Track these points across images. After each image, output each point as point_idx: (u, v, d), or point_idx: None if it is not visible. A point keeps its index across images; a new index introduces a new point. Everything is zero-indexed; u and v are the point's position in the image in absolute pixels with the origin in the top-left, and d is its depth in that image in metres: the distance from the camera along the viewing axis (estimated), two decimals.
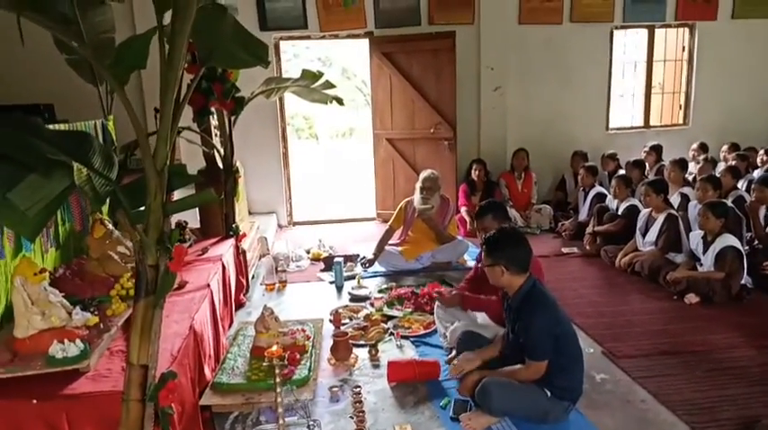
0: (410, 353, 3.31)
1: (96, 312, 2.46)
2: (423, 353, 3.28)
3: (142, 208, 1.90)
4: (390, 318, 3.75)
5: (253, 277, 4.74)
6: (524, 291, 2.53)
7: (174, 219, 4.16)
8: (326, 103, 4.59)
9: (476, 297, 3.21)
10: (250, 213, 6.34)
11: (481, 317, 3.24)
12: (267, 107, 6.07)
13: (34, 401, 1.93)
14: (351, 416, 2.66)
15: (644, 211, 4.71)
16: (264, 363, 2.73)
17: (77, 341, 2.15)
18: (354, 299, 4.18)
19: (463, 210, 6.01)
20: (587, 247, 5.21)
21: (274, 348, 2.39)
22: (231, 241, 4.06)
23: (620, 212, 5.09)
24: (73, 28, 2.18)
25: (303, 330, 3.37)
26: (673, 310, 3.83)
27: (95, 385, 2.01)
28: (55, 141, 1.80)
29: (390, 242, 4.88)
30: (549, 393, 2.49)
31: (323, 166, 12.53)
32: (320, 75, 4.39)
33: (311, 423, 2.59)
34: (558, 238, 5.80)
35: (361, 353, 3.28)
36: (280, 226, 6.54)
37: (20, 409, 1.93)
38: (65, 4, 2.20)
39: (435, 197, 4.65)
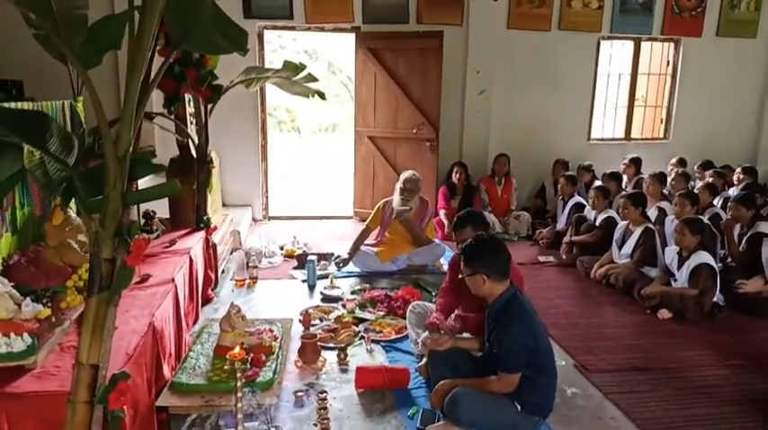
0: (380, 358, 3.23)
1: (49, 304, 2.32)
2: (393, 358, 3.20)
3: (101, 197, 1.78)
4: (362, 320, 3.66)
5: (223, 271, 4.60)
6: (504, 299, 2.47)
7: (143, 208, 4.01)
8: (308, 97, 4.48)
9: (477, 317, 3.06)
10: (224, 205, 6.18)
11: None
12: (247, 97, 5.93)
13: None
14: (315, 423, 2.56)
15: (621, 224, 4.70)
16: (227, 366, 2.61)
17: (25, 335, 2.01)
18: (326, 299, 4.08)
19: (442, 213, 5.94)
20: (563, 257, 5.19)
21: (237, 350, 2.28)
22: (201, 234, 3.92)
23: (597, 223, 5.08)
24: (41, 1, 2.06)
25: (271, 330, 3.26)
26: (645, 325, 3.81)
27: (41, 384, 1.88)
28: (7, 121, 1.67)
29: (366, 242, 4.79)
30: (519, 407, 2.43)
31: (303, 161, 12.37)
32: (302, 67, 4.27)
33: (273, 429, 2.48)
34: (535, 246, 5.77)
35: (330, 357, 3.19)
36: (255, 220, 6.40)
37: None
38: None
39: (415, 199, 4.58)
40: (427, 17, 6.22)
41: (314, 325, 3.59)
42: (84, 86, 3.87)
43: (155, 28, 1.72)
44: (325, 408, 2.65)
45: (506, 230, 6.09)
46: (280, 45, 16.37)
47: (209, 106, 3.88)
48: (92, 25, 2.08)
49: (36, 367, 1.98)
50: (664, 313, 3.90)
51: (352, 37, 6.21)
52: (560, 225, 5.76)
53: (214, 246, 4.09)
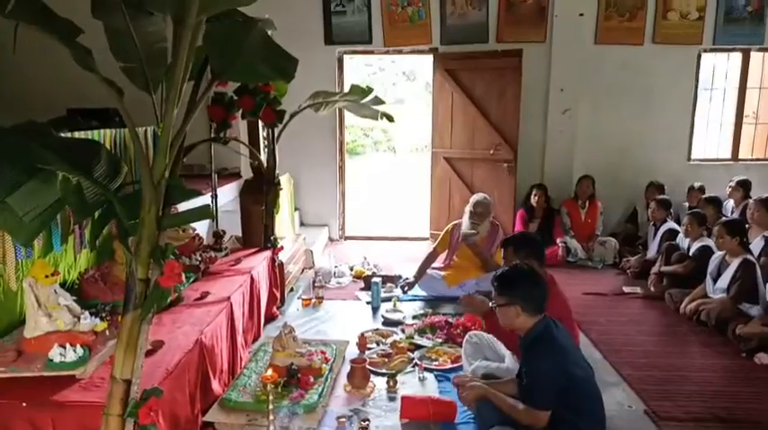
0: (431, 387, 3.12)
1: (108, 318, 2.49)
2: (444, 389, 3.08)
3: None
4: (419, 346, 3.57)
5: (291, 290, 4.72)
6: (536, 331, 2.33)
7: (214, 227, 4.22)
8: (377, 119, 4.52)
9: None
10: (302, 224, 6.40)
11: (510, 360, 2.98)
12: (326, 120, 6.11)
13: (24, 404, 1.94)
14: None
15: (717, 254, 4.23)
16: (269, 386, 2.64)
17: (78, 347, 2.16)
18: (387, 322, 4.04)
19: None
20: (652, 288, 4.76)
21: (269, 372, 2.30)
22: (267, 253, 4.05)
23: (690, 253, 4.62)
24: (128, 38, 2.27)
25: (323, 352, 3.29)
26: (738, 370, 3.38)
27: (84, 394, 2.00)
28: (59, 150, 1.81)
29: (434, 266, 4.70)
30: None
31: (392, 180, 12.48)
32: (369, 90, 4.32)
33: None
34: (621, 275, 5.36)
35: (380, 383, 3.13)
36: (331, 239, 6.53)
37: (11, 410, 1.95)
38: (118, 17, 2.28)
39: (485, 223, 4.43)
40: (508, 35, 6.08)
41: (370, 348, 3.56)
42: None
43: (186, 60, 1.80)
44: None
45: (590, 257, 5.72)
46: (379, 68, 16.83)
47: (275, 130, 4.02)
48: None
49: (85, 378, 2.12)
50: (762, 357, 3.44)
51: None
52: (651, 253, 5.31)
53: (281, 265, 4.21)
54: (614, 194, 6.30)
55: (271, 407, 2.20)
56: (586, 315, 4.25)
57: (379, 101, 4.39)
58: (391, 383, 3.09)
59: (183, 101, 2.08)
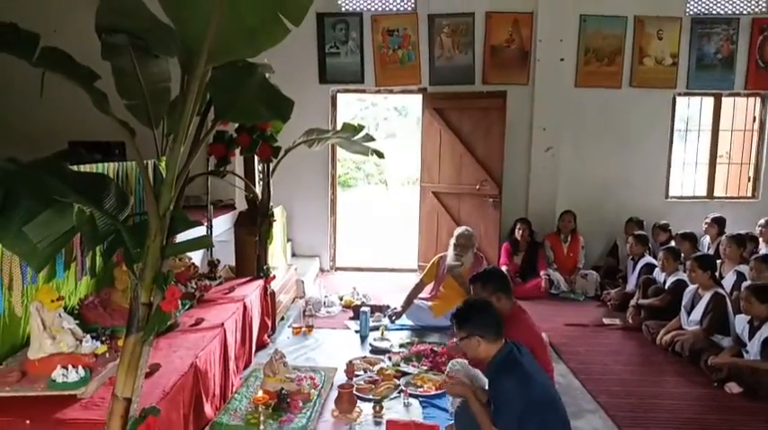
0: (416, 412, 3.24)
1: (108, 341, 2.61)
2: (428, 415, 3.20)
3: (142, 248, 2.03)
4: (404, 374, 3.70)
5: (282, 319, 4.84)
6: (499, 357, 2.45)
7: (208, 257, 4.36)
8: (367, 155, 4.75)
9: None
10: (294, 255, 6.55)
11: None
12: (319, 155, 6.32)
13: (27, 422, 2.06)
14: None
15: (690, 287, 4.43)
16: (259, 408, 2.76)
17: (80, 368, 2.29)
18: (374, 351, 4.16)
19: (503, 269, 5.88)
20: (630, 320, 4.94)
21: (260, 394, 2.43)
22: (260, 282, 4.19)
23: (666, 286, 4.81)
24: (133, 78, 2.47)
25: (312, 378, 3.41)
26: (710, 399, 3.53)
27: (85, 412, 2.12)
28: (73, 183, 1.98)
29: (421, 296, 4.86)
30: None
31: (383, 213, 12.69)
32: (360, 128, 4.55)
33: None
34: (602, 307, 5.53)
35: (367, 408, 3.25)
36: (322, 270, 6.66)
37: (16, 428, 2.06)
38: (126, 59, 2.49)
39: (468, 254, 4.61)
40: (493, 77, 6.39)
41: (357, 375, 3.68)
42: (166, 147, 4.40)
43: (192, 105, 1.99)
44: None
45: (573, 289, 5.90)
46: (372, 102, 17.23)
47: (272, 165, 4.22)
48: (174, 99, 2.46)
49: (86, 397, 2.23)
50: (732, 387, 3.59)
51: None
52: (630, 286, 5.50)
53: (272, 294, 4.34)
54: (596, 229, 6.53)
55: (262, 427, 2.32)
56: (567, 344, 4.41)
57: (369, 138, 4.62)
58: (377, 408, 3.21)
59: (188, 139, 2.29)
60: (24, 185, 1.87)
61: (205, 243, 2.16)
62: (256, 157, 4.35)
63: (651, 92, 6.47)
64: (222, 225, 5.44)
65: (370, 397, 3.35)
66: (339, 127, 6.14)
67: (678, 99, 6.58)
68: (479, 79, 6.40)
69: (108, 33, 2.45)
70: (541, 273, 5.87)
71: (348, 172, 18.30)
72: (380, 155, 4.72)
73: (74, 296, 3.03)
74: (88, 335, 2.50)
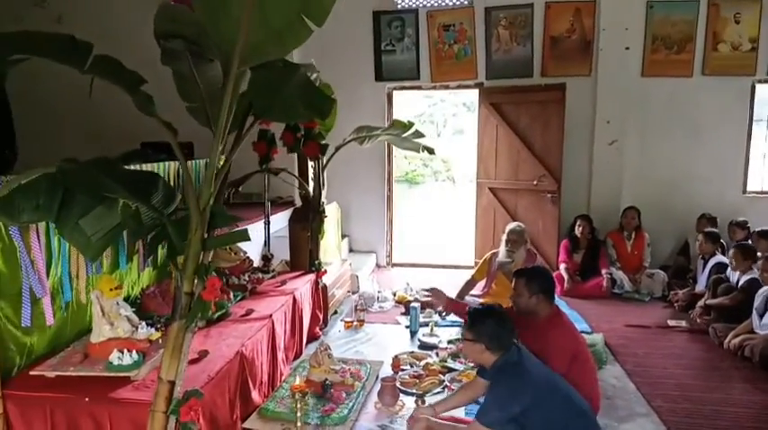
0: (457, 409, 3.23)
1: (163, 328, 2.79)
2: (470, 411, 3.18)
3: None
4: (450, 370, 3.69)
5: (336, 312, 4.96)
6: (500, 362, 2.51)
7: (263, 251, 4.53)
8: (418, 152, 4.77)
9: None
10: (351, 251, 6.67)
11: None
12: (375, 152, 6.42)
13: (86, 399, 2.25)
14: None
15: (764, 288, 4.13)
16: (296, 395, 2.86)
17: (134, 352, 2.47)
18: (423, 346, 4.18)
19: (562, 267, 5.73)
20: (697, 321, 4.67)
21: (297, 381, 2.52)
22: (311, 276, 4.32)
23: (739, 285, 4.51)
24: (193, 82, 2.63)
25: (357, 370, 3.47)
26: None
27: (135, 393, 2.28)
28: (124, 181, 2.14)
29: (473, 293, 4.82)
30: None
31: (447, 209, 12.61)
32: (410, 125, 4.57)
33: None
34: (668, 308, 5.26)
35: (409, 402, 3.28)
36: (378, 265, 6.75)
37: (76, 404, 2.25)
38: (184, 64, 2.65)
39: (520, 251, 4.53)
40: (552, 70, 6.21)
41: (403, 369, 3.71)
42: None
43: (229, 105, 2.10)
44: None
45: (637, 289, 5.64)
46: (440, 98, 17.18)
47: (323, 162, 4.33)
48: None
49: (138, 379, 2.41)
50: None
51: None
52: (699, 286, 5.20)
53: (324, 287, 4.46)
54: (665, 226, 6.21)
55: (299, 414, 2.41)
56: (626, 346, 4.24)
57: (419, 134, 4.63)
58: (420, 403, 3.23)
59: (230, 138, 2.41)
60: (81, 183, 2.04)
61: (244, 237, 2.27)
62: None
63: (726, 80, 6.06)
64: (281, 221, 5.64)
65: (414, 391, 3.38)
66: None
67: (758, 86, 6.11)
68: (538, 72, 6.24)
69: (166, 39, 2.61)
70: (603, 271, 5.65)
71: (416, 169, 18.32)
72: (431, 151, 4.72)
73: (136, 286, 3.26)
74: (143, 322, 2.68)
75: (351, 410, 3.05)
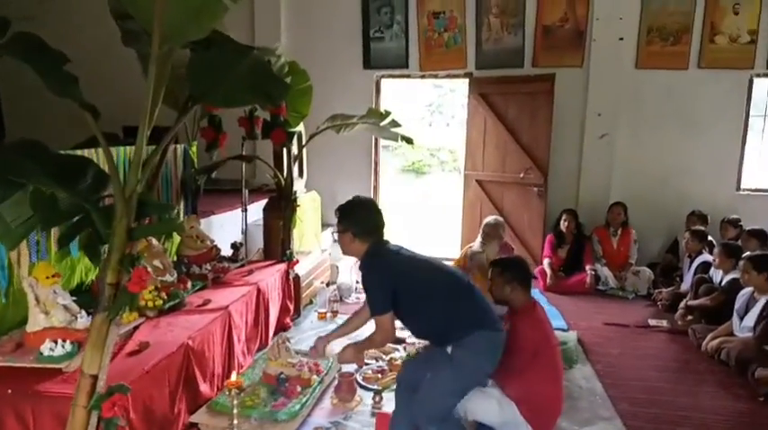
0: None
1: None
2: None
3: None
4: None
5: (311, 302, 4.88)
6: (368, 253, 2.55)
7: (231, 239, 4.44)
8: (396, 141, 4.65)
9: None
10: (336, 241, 6.57)
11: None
12: (362, 142, 6.32)
13: (9, 391, 2.17)
14: None
15: (746, 290, 3.99)
16: (263, 393, 2.79)
17: (67, 343, 2.39)
18: (394, 340, 4.08)
19: (545, 262, 5.61)
20: (679, 322, 4.54)
21: (234, 377, 2.44)
22: (282, 266, 4.23)
23: (721, 286, 4.37)
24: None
25: (317, 364, 3.39)
26: (750, 414, 3.17)
27: (62, 386, 2.20)
28: (47, 165, 2.05)
29: None
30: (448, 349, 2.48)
31: (448, 200, 12.45)
32: (387, 114, 4.45)
33: None
34: (651, 307, 5.13)
35: (367, 398, 3.20)
36: None
37: None
38: (146, 45, 2.54)
39: (493, 244, 4.40)
40: (543, 60, 6.04)
41: (368, 363, 3.63)
42: (196, 132, 4.49)
43: (152, 88, 1.99)
44: None
45: (622, 287, 5.52)
46: (450, 89, 16.91)
47: (293, 150, 4.22)
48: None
49: (70, 371, 2.33)
50: None
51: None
52: (685, 285, 5.06)
53: (296, 278, 4.37)
54: (654, 223, 6.07)
55: (235, 411, 2.33)
56: (600, 345, 4.14)
57: (395, 124, 4.51)
58: (377, 399, 3.16)
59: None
60: (8, 167, 1.95)
61: (173, 226, 2.18)
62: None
63: (723, 73, 5.87)
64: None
65: (374, 387, 3.29)
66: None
67: (756, 80, 5.92)
68: (529, 62, 6.08)
69: (122, 20, 2.50)
70: (587, 267, 5.53)
71: (422, 159, 18.13)
72: (410, 141, 4.60)
73: (91, 272, 3.18)
74: (83, 311, 2.60)
75: (303, 405, 2.97)
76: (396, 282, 2.46)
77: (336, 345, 2.95)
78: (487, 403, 2.77)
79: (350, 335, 3.05)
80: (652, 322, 4.67)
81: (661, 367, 3.83)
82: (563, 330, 4.34)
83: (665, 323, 4.62)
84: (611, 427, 2.99)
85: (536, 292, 5.34)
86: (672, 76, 5.94)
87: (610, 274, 5.55)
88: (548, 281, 5.49)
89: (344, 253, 2.70)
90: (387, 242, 2.63)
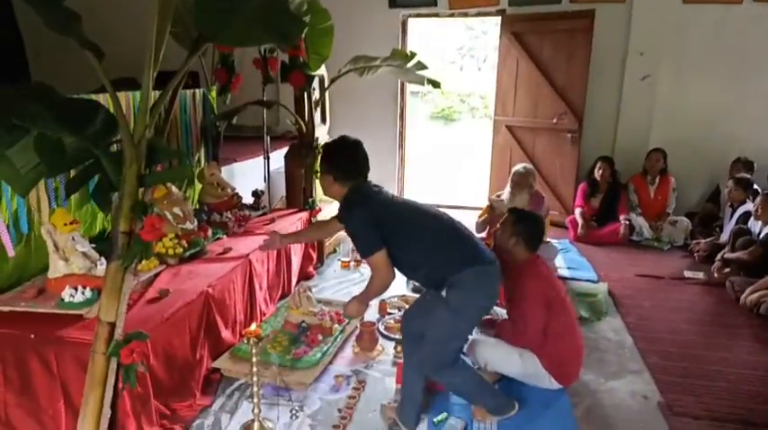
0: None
1: None
2: None
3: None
4: None
5: (335, 251, 4.85)
6: (347, 195, 2.44)
7: (252, 187, 4.38)
8: (422, 84, 4.44)
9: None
10: None
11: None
12: (387, 87, 6.11)
13: (32, 336, 2.20)
14: (339, 409, 2.60)
15: None
16: (285, 340, 2.77)
17: (87, 289, 2.39)
18: (416, 289, 4.03)
19: (577, 211, 5.42)
20: (715, 274, 4.36)
21: (253, 327, 2.41)
22: (303, 215, 4.17)
23: (760, 238, 4.15)
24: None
25: (338, 313, 3.36)
26: None
27: (84, 332, 2.22)
28: (55, 109, 1.98)
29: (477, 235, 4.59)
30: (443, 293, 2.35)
31: (477, 146, 12.20)
32: (412, 55, 4.23)
33: (295, 407, 2.59)
34: (688, 258, 4.94)
35: (389, 347, 3.18)
36: None
37: (24, 341, 2.21)
38: None
39: (523, 194, 4.23)
40: None
41: (390, 313, 3.60)
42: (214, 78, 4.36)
43: (155, 22, 1.87)
44: (354, 397, 2.68)
45: (658, 237, 5.31)
46: (482, 31, 16.23)
47: (314, 94, 4.07)
48: None
49: (90, 317, 2.34)
50: None
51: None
52: (724, 236, 4.83)
53: None
54: (695, 171, 5.76)
55: (254, 360, 2.32)
56: (631, 297, 4.01)
57: (422, 66, 4.30)
58: (398, 349, 3.13)
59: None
60: (12, 111, 1.89)
61: (184, 173, 2.11)
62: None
63: None
64: None
65: (396, 337, 3.26)
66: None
67: None
68: None
69: None
70: (621, 217, 5.32)
71: (452, 105, 17.64)
72: (437, 84, 4.38)
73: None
74: (103, 258, 2.59)
75: (324, 354, 2.96)
76: (380, 218, 2.35)
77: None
78: (508, 355, 2.72)
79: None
80: (688, 274, 4.49)
81: (695, 320, 3.69)
82: (593, 282, 4.22)
83: (701, 275, 4.44)
84: (640, 381, 2.90)
85: (566, 242, 5.20)
86: (723, 11, 5.47)
87: (645, 224, 5.33)
88: (579, 231, 5.31)
89: (325, 193, 2.59)
90: (368, 182, 2.52)
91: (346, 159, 2.49)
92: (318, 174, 2.58)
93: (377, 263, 2.36)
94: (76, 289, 2.39)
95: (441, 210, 2.54)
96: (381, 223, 2.33)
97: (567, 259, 4.68)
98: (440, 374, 2.43)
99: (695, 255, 4.90)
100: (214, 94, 4.20)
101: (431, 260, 2.37)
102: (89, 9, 1.89)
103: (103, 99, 2.83)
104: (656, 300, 3.96)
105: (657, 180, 5.44)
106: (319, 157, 2.55)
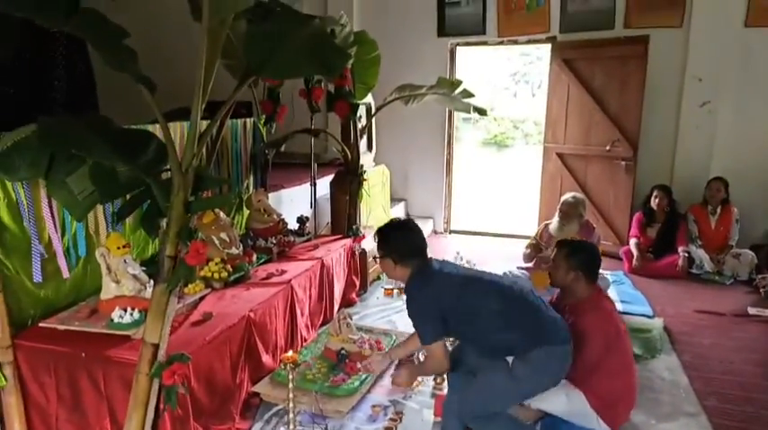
0: None
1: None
2: None
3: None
4: None
5: (379, 278, 4.85)
6: (412, 276, 2.44)
7: (297, 213, 4.46)
8: (469, 113, 4.44)
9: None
10: (408, 216, 6.50)
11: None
12: (435, 114, 6.15)
13: (83, 354, 2.29)
14: None
15: None
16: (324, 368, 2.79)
17: (135, 311, 2.48)
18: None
19: (632, 242, 5.21)
20: None
21: (290, 353, 2.43)
22: (347, 241, 4.20)
23: None
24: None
25: (378, 341, 3.35)
26: None
27: (131, 353, 2.29)
28: (111, 139, 2.10)
29: (523, 266, 4.50)
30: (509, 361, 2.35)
31: (528, 174, 12.03)
32: (458, 83, 4.24)
33: None
34: (753, 294, 4.64)
35: (428, 379, 3.12)
36: (435, 232, 6.54)
37: (75, 359, 2.31)
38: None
39: (572, 224, 4.12)
40: (638, 21, 5.51)
41: None
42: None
43: (215, 62, 1.96)
44: (390, 429, 2.64)
45: (720, 271, 5.02)
46: (537, 57, 16.07)
47: (359, 123, 4.14)
48: None
49: (137, 339, 2.42)
50: None
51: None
52: None
53: (363, 253, 4.34)
54: (760, 201, 5.44)
55: (290, 385, 2.33)
56: (690, 335, 3.79)
57: (468, 94, 4.30)
58: (438, 380, 3.07)
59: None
60: (62, 141, 2.02)
61: (227, 200, 2.18)
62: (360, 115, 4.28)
63: None
64: None
65: None
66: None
67: None
68: (620, 23, 5.57)
69: None
70: (680, 249, 5.08)
71: (505, 131, 17.51)
72: (483, 112, 4.37)
73: None
74: (152, 281, 2.69)
75: (362, 382, 2.94)
76: (444, 308, 2.34)
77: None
78: (554, 391, 2.61)
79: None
80: (752, 311, 4.21)
81: (759, 361, 3.44)
82: (648, 317, 4.02)
83: (767, 312, 4.16)
84: (695, 424, 2.73)
85: (620, 274, 5.00)
86: None
87: (705, 257, 5.06)
88: (634, 262, 5.10)
89: (389, 277, 2.63)
90: (430, 261, 2.49)
91: (399, 240, 2.51)
92: (378, 260, 2.60)
93: (435, 352, 2.38)
94: (126, 310, 2.48)
95: (509, 279, 2.55)
96: (446, 311, 2.33)
97: (621, 292, 4.49)
98: (476, 423, 2.39)
99: (761, 290, 4.59)
100: (262, 122, 4.34)
101: (499, 337, 2.34)
102: (156, 39, 2.00)
103: (158, 129, 2.96)
104: (717, 338, 3.73)
105: (719, 210, 5.17)
106: (376, 244, 2.59)
